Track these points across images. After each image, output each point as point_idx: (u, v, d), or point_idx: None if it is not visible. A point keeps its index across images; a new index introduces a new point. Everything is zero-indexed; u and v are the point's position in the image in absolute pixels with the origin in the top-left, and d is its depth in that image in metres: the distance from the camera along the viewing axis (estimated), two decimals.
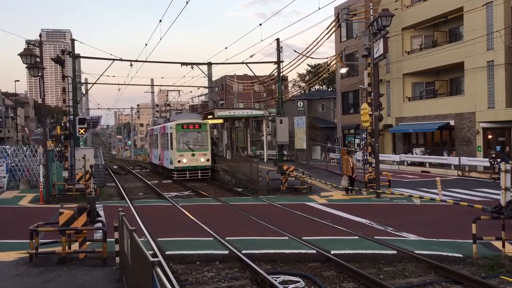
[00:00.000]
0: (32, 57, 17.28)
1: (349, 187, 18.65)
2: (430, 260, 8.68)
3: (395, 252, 9.31)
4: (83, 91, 37.32)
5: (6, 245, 10.47)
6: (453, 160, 27.65)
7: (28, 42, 19.38)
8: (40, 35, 19.53)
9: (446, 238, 10.60)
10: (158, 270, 3.75)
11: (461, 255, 9.08)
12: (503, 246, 8.89)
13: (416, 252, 9.22)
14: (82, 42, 35.88)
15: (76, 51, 26.48)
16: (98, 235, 10.28)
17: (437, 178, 17.35)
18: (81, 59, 29.98)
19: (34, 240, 9.03)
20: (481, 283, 7.50)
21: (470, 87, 28.73)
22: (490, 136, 28.55)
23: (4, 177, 22.93)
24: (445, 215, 13.87)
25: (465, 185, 21.08)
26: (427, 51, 32.32)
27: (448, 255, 9.14)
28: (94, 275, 8.06)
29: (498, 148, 27.67)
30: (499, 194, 12.96)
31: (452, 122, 30.21)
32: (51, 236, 9.95)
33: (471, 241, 8.99)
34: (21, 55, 17.14)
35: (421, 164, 30.50)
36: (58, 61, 20.64)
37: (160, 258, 8.75)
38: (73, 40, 26.00)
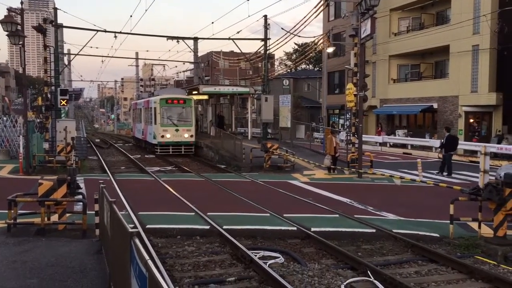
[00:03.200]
0: (13, 24, 16.84)
1: (332, 167, 18.78)
2: (407, 239, 8.84)
3: (374, 230, 9.46)
4: (66, 62, 36.57)
5: None
6: (435, 142, 27.97)
7: (9, 9, 18.82)
8: (22, 2, 18.96)
9: (424, 218, 10.79)
10: (137, 241, 3.73)
11: (438, 235, 9.26)
12: (479, 227, 9.06)
13: (394, 231, 9.37)
14: (65, 12, 35.29)
15: (59, 21, 25.87)
16: (78, 207, 10.22)
17: (418, 160, 17.55)
18: (64, 29, 29.27)
19: (12, 211, 8.93)
20: (456, 262, 7.67)
21: (455, 70, 28.91)
22: (471, 120, 28.92)
23: None
24: (425, 196, 14.08)
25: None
26: (414, 33, 32.34)
27: (425, 234, 9.31)
28: (73, 247, 8.02)
29: (483, 132, 28.07)
30: (477, 177, 13.20)
31: (435, 105, 30.47)
32: (30, 207, 9.85)
33: (448, 221, 9.15)
34: (1, 22, 16.69)
35: (403, 146, 30.82)
36: (40, 30, 20.16)
37: (141, 231, 8.73)
38: (56, 9, 25.31)
